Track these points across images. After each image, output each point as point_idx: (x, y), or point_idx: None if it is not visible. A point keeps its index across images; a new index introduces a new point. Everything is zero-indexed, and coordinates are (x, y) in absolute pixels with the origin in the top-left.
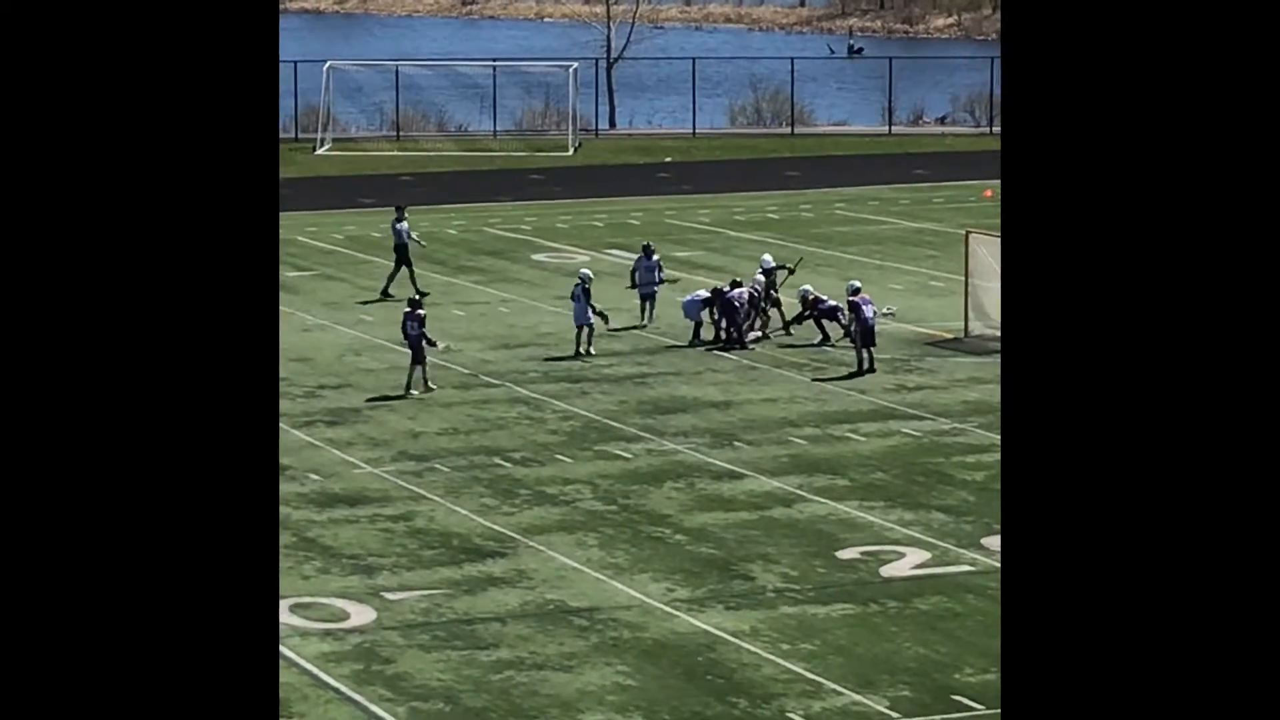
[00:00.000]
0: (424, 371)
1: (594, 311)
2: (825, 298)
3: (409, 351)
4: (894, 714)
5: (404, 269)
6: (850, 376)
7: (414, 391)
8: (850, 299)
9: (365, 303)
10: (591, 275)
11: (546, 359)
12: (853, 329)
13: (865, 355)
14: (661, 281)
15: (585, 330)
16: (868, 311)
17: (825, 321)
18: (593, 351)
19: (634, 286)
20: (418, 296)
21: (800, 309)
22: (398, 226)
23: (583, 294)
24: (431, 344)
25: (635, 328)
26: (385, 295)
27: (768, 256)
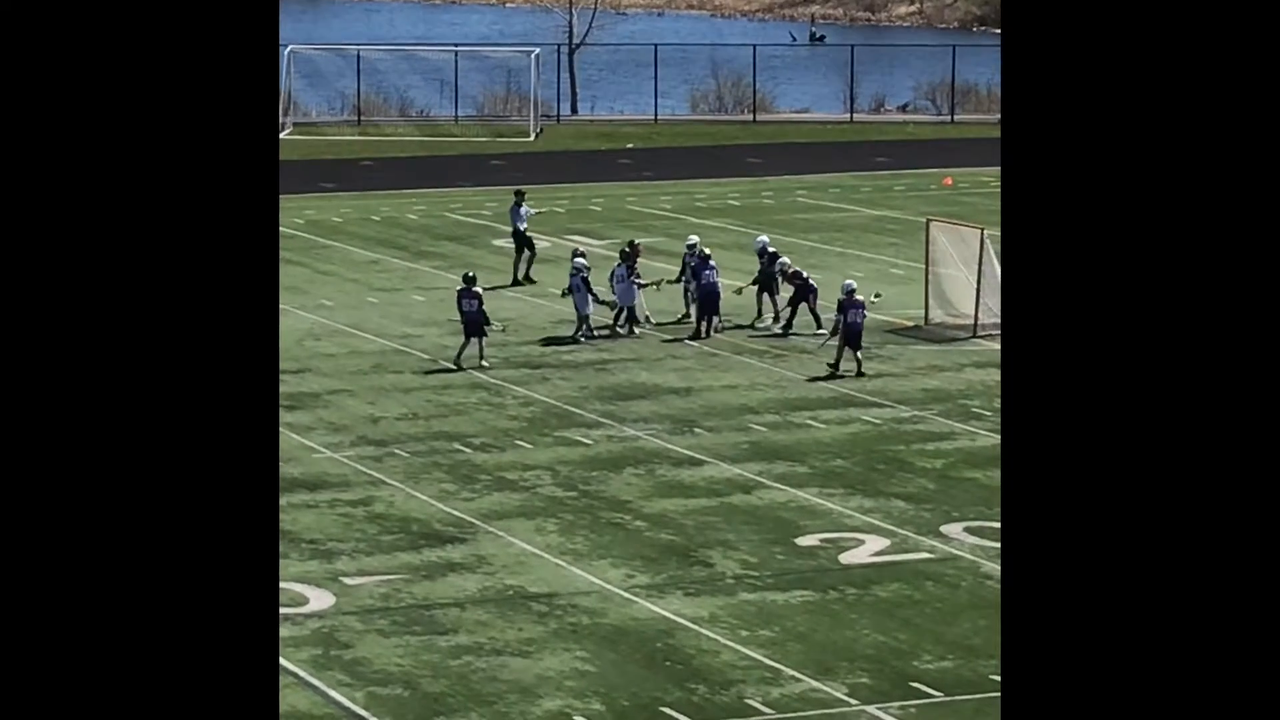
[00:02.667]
0: (481, 347)
1: (595, 300)
2: (803, 271)
3: (461, 327)
4: (853, 701)
5: (525, 252)
6: (829, 378)
7: (464, 365)
8: (841, 299)
9: (495, 287)
10: (588, 264)
11: (505, 344)
12: (839, 329)
13: (853, 357)
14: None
15: (587, 321)
16: (858, 315)
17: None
18: (620, 330)
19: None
20: (518, 279)
21: (780, 281)
22: (519, 213)
23: (582, 283)
24: (489, 323)
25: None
26: (529, 280)
27: (764, 238)
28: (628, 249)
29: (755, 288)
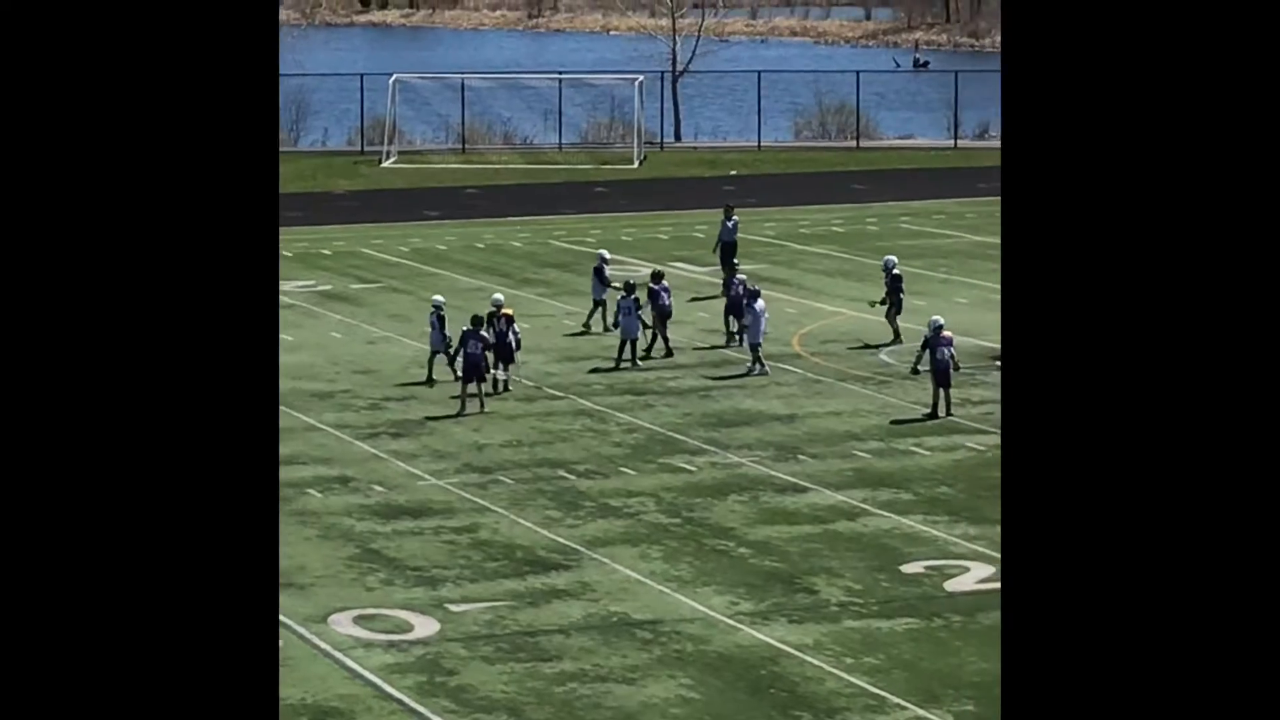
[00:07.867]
0: (479, 390)
1: (446, 342)
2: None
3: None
4: None
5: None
6: (927, 419)
7: (435, 380)
8: (928, 335)
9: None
10: (444, 300)
11: (610, 370)
12: (923, 366)
13: (941, 397)
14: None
15: (440, 355)
16: (944, 352)
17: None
18: (441, 378)
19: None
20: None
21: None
22: (728, 224)
23: (438, 321)
24: (489, 369)
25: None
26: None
27: (891, 257)
28: (630, 283)
29: (885, 306)
